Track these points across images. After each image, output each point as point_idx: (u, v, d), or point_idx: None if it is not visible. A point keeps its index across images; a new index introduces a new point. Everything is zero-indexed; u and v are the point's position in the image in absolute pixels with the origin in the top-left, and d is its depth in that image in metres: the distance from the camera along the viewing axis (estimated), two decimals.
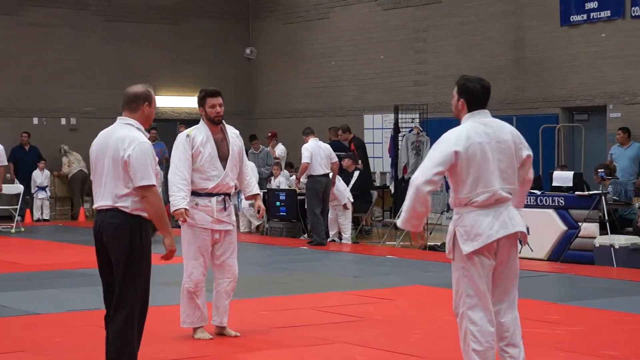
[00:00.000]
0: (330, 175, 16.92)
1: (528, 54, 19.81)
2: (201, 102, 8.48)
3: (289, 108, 25.09)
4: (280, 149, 22.11)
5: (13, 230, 19.78)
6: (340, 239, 17.41)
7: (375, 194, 19.43)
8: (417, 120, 20.23)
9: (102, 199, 6.40)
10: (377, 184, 21.40)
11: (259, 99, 26.15)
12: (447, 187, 6.11)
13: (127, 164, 6.27)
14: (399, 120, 20.37)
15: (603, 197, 14.05)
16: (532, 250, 13.69)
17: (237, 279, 8.52)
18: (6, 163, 19.28)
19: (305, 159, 16.66)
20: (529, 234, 6.39)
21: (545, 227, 14.15)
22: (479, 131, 5.98)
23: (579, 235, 14.12)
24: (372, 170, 21.12)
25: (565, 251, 14.18)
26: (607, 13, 18.41)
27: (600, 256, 13.70)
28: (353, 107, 23.41)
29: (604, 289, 11.69)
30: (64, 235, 19.16)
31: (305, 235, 18.04)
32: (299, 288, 11.78)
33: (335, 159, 17.13)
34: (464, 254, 5.94)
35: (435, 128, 18.09)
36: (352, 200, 17.53)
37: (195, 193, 8.30)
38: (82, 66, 24.20)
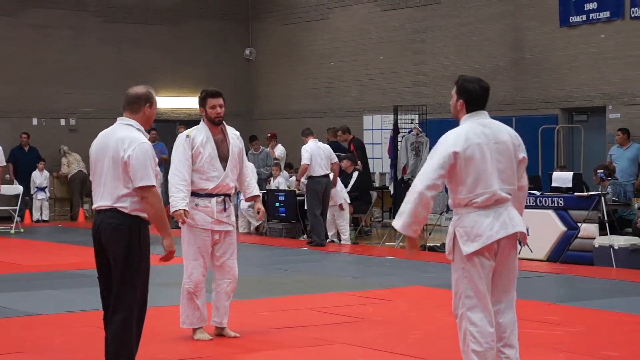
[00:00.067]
0: (331, 175, 16.92)
1: (527, 55, 19.82)
2: (202, 102, 8.49)
3: (288, 109, 25.10)
4: (279, 150, 22.11)
5: (12, 231, 19.78)
6: (340, 239, 17.41)
7: (374, 194, 19.43)
8: (417, 121, 20.22)
9: (101, 200, 6.41)
10: (377, 184, 21.39)
11: (258, 100, 26.16)
12: (447, 189, 6.11)
13: (127, 165, 6.27)
14: (398, 121, 20.35)
15: (602, 198, 14.06)
16: (531, 251, 13.70)
17: (237, 280, 8.53)
18: (5, 163, 19.28)
19: (305, 160, 16.66)
20: (528, 234, 6.38)
21: (544, 228, 14.16)
22: (478, 132, 5.99)
23: (579, 236, 14.13)
24: (371, 171, 21.12)
25: (564, 252, 14.19)
26: (607, 14, 18.42)
27: (599, 257, 13.70)
28: (352, 108, 23.42)
29: (603, 290, 11.69)
30: (63, 236, 19.16)
31: (305, 236, 18.04)
32: (298, 289, 11.78)
33: (335, 160, 17.13)
34: (464, 255, 5.94)
35: (434, 129, 18.08)
36: (348, 201, 17.53)
37: (195, 194, 8.31)
38: (81, 67, 24.21)
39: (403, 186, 19.38)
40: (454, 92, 6.13)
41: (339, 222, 17.34)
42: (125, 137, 6.35)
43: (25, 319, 9.58)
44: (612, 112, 18.51)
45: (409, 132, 19.80)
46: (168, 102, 24.57)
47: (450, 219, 6.14)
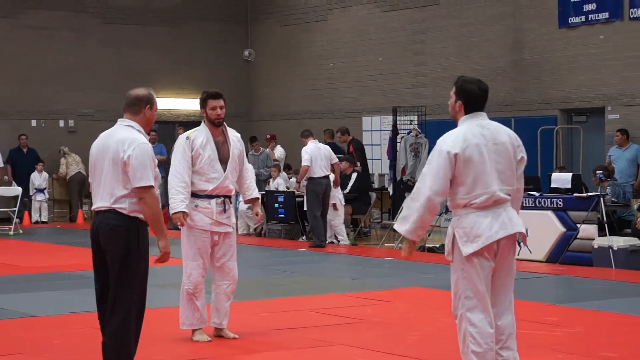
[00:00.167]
0: (331, 176, 16.92)
1: (526, 56, 19.82)
2: (202, 103, 8.49)
3: (287, 110, 25.09)
4: (279, 151, 22.12)
5: (11, 233, 19.78)
6: (338, 240, 17.40)
7: (373, 195, 19.43)
8: (416, 122, 20.25)
9: (100, 200, 6.41)
10: (376, 185, 21.40)
11: (257, 101, 26.15)
12: None
13: (127, 165, 6.28)
14: (398, 122, 20.38)
15: (601, 199, 14.06)
16: (530, 252, 13.69)
17: (237, 281, 8.53)
18: (2, 165, 19.27)
19: (305, 162, 16.63)
20: (527, 235, 6.37)
21: (543, 229, 14.15)
22: (476, 133, 5.98)
23: (578, 236, 14.12)
24: (370, 172, 21.12)
25: (563, 253, 14.18)
26: (606, 15, 18.42)
27: (598, 258, 13.70)
28: (351, 109, 23.42)
29: (602, 291, 11.69)
30: (62, 238, 19.16)
31: (304, 237, 18.03)
32: (298, 290, 11.77)
33: (336, 160, 17.14)
34: (463, 256, 5.94)
35: (433, 130, 18.10)
36: (343, 202, 17.50)
37: (195, 195, 8.31)
38: (81, 68, 24.21)
39: (402, 187, 19.42)
40: (453, 93, 6.13)
41: (334, 222, 17.32)
42: (125, 138, 6.36)
43: (24, 320, 9.58)
44: (611, 113, 18.52)
45: (408, 133, 19.82)
46: (167, 103, 24.57)
47: (450, 220, 6.14)
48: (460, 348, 6.01)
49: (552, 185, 14.88)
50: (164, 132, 23.95)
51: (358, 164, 18.98)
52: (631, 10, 18.09)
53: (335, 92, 23.83)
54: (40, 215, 22.80)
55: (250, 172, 8.86)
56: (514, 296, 6.16)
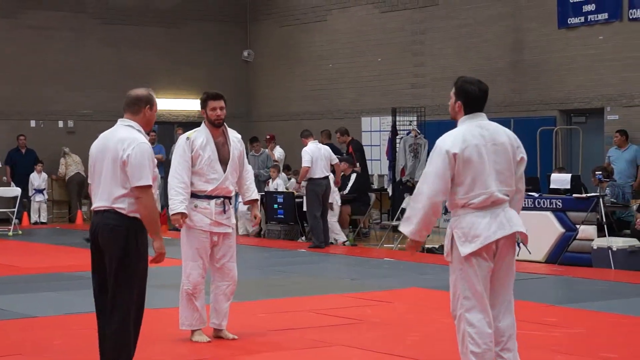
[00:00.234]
0: (331, 177, 16.91)
1: (526, 57, 19.83)
2: (203, 104, 8.50)
3: (286, 111, 25.09)
4: (278, 152, 22.11)
5: (10, 233, 19.77)
6: (335, 239, 17.38)
7: (373, 196, 19.43)
8: (415, 122, 20.25)
9: (99, 200, 6.41)
10: (375, 186, 21.39)
11: (256, 102, 26.15)
12: None
13: (126, 164, 6.28)
14: (397, 123, 20.37)
15: (601, 200, 14.07)
16: (530, 253, 13.68)
17: (237, 282, 8.53)
18: (0, 165, 19.27)
19: (306, 162, 16.61)
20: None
21: (543, 230, 14.16)
22: (475, 133, 5.99)
23: (577, 237, 14.13)
24: (369, 172, 21.12)
25: (563, 253, 14.19)
26: (605, 15, 18.43)
27: (598, 258, 13.70)
28: (351, 110, 23.42)
29: (601, 291, 11.70)
30: (62, 238, 19.16)
31: (303, 238, 18.03)
32: (297, 290, 11.78)
33: (336, 160, 17.14)
34: (461, 256, 5.94)
35: (433, 130, 18.10)
36: (339, 202, 17.49)
37: (194, 195, 8.31)
38: (80, 69, 24.20)
39: (401, 188, 19.41)
40: (453, 93, 6.14)
41: (330, 221, 17.27)
42: (125, 137, 6.37)
43: (23, 321, 9.57)
44: (611, 113, 18.52)
45: (408, 134, 19.81)
46: (167, 104, 24.56)
47: (449, 220, 6.15)
48: (459, 348, 6.01)
49: (552, 186, 14.88)
50: (163, 133, 23.96)
51: (357, 164, 18.98)
52: (630, 11, 18.10)
53: (335, 92, 23.83)
54: (39, 216, 22.80)
55: (251, 173, 8.87)
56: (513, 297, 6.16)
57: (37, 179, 22.77)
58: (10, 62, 23.44)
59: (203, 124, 8.51)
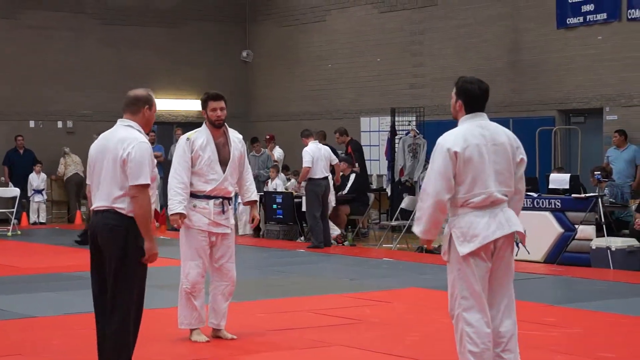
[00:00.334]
0: (330, 177, 16.91)
1: (525, 57, 19.83)
2: (204, 105, 8.51)
3: (285, 111, 25.10)
4: (277, 152, 22.11)
5: (9, 234, 19.78)
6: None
7: (372, 196, 19.42)
8: (414, 122, 20.25)
9: (99, 200, 6.42)
10: (374, 186, 21.39)
11: (255, 102, 26.15)
12: None
13: (126, 162, 6.29)
14: (396, 123, 20.38)
15: (599, 200, 14.07)
16: (528, 253, 13.71)
17: (236, 282, 8.54)
18: None
19: (306, 163, 16.59)
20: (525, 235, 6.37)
21: (541, 230, 14.16)
22: (476, 133, 6.00)
23: (576, 237, 14.13)
24: (368, 172, 21.12)
25: (561, 253, 14.20)
26: (604, 16, 18.44)
27: (596, 258, 13.71)
28: (350, 110, 23.43)
29: (600, 291, 11.71)
30: (61, 239, 19.15)
31: (302, 238, 18.03)
32: (296, 291, 11.78)
33: (336, 161, 17.14)
34: (459, 256, 5.95)
35: (432, 131, 18.10)
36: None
37: (193, 195, 8.33)
38: (80, 69, 24.19)
39: (400, 188, 19.41)
40: (454, 93, 6.16)
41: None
42: (125, 137, 6.38)
43: (23, 322, 9.58)
44: (609, 113, 18.53)
45: (407, 134, 19.81)
46: (166, 104, 24.56)
47: (447, 220, 6.16)
48: (458, 348, 6.02)
49: (550, 186, 14.89)
50: (162, 133, 23.95)
51: (356, 164, 18.98)
52: (629, 11, 18.10)
53: (334, 92, 23.84)
54: (38, 216, 22.80)
55: (251, 173, 8.88)
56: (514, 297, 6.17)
57: (36, 179, 22.77)
58: (9, 62, 23.44)
59: (204, 125, 8.52)
